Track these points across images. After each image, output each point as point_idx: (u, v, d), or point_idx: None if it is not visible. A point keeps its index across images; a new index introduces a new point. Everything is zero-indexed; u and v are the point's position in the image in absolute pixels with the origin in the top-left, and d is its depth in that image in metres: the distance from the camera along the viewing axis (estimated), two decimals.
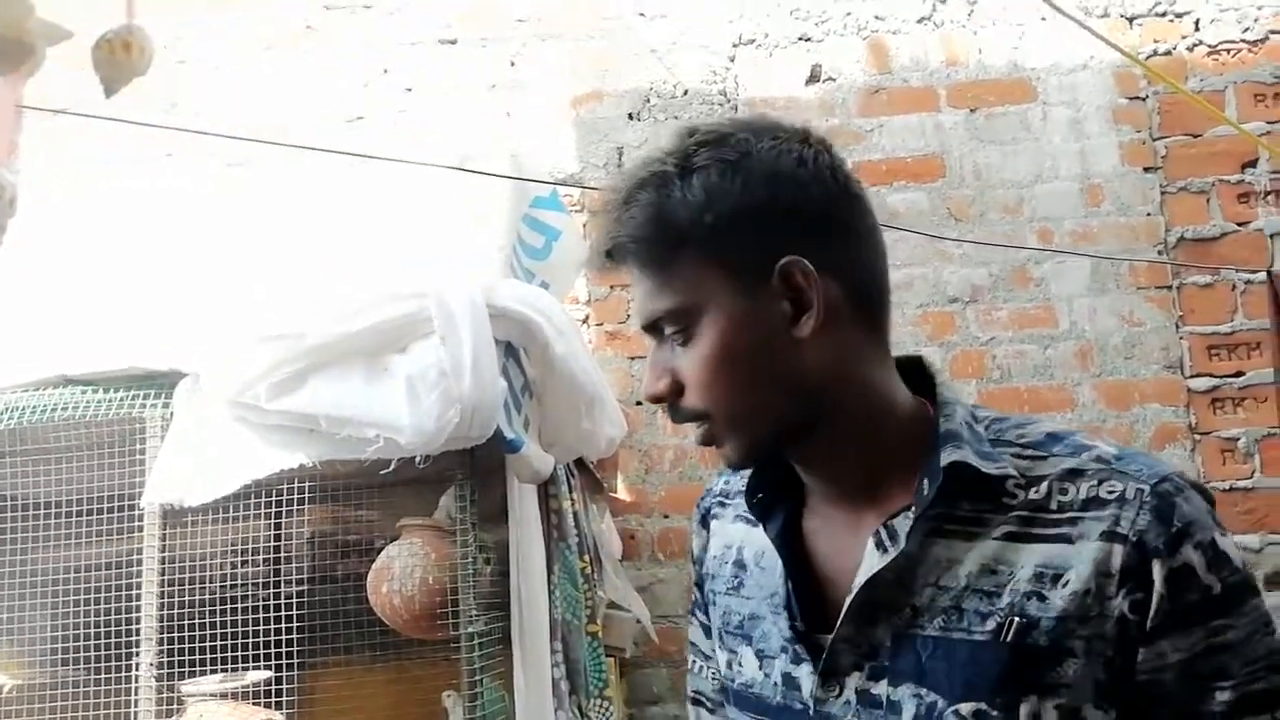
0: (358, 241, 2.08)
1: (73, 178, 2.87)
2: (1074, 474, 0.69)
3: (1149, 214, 2.72)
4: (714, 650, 0.89)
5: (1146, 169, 2.75)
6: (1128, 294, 2.69)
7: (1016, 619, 0.66)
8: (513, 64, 2.93)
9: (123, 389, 1.91)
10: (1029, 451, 0.72)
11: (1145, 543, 0.65)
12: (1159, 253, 2.70)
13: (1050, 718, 0.65)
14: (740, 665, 0.81)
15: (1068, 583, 0.66)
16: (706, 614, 0.91)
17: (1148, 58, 2.77)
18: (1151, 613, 0.64)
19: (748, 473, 0.84)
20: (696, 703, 0.94)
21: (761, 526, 0.81)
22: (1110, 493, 0.67)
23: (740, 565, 0.85)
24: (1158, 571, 0.64)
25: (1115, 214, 2.73)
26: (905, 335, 2.71)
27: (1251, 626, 0.65)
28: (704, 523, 0.93)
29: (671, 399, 0.74)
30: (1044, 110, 2.80)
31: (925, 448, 0.73)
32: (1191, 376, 2.64)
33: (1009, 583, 0.67)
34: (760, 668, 0.79)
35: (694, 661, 0.95)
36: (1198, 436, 2.62)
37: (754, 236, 0.72)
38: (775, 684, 0.77)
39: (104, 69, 0.61)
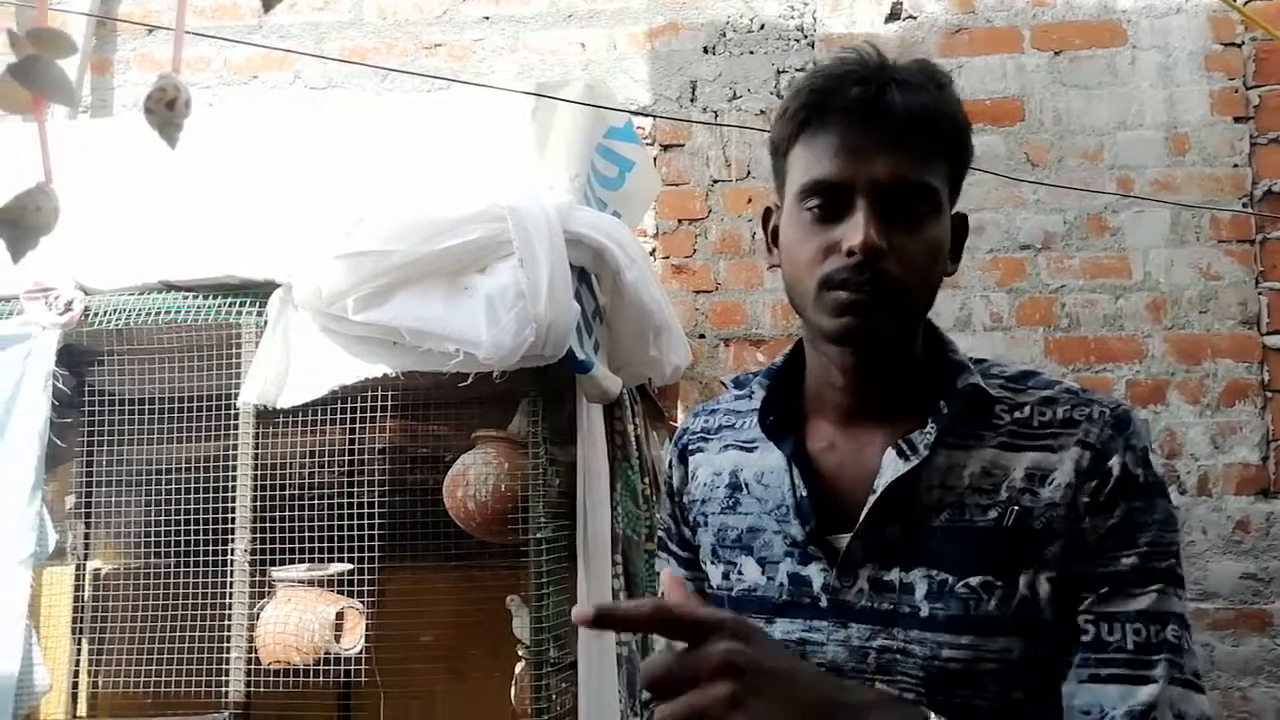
0: (437, 165, 2.14)
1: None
2: (1050, 401, 0.86)
3: (1236, 165, 2.65)
4: (692, 567, 1.01)
5: (1237, 119, 2.67)
6: (1207, 247, 2.64)
7: (1015, 508, 0.81)
8: None
9: (220, 296, 2.02)
10: (1011, 384, 0.88)
11: (1105, 447, 0.82)
12: (1244, 205, 2.64)
13: (1043, 588, 0.80)
14: (740, 574, 0.91)
15: (1053, 480, 0.82)
16: (680, 543, 1.02)
17: (1246, 2, 2.67)
18: (1103, 495, 0.81)
19: (726, 411, 0.99)
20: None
21: (767, 450, 0.92)
22: (1081, 414, 0.84)
23: (735, 487, 0.95)
24: (1110, 465, 0.81)
25: (1200, 164, 2.67)
26: (974, 279, 2.70)
27: (1159, 515, 0.81)
28: (682, 458, 1.02)
29: (877, 260, 0.82)
30: (1133, 54, 2.72)
31: (934, 377, 0.88)
32: (1268, 333, 2.60)
33: (1005, 481, 0.83)
34: (763, 573, 0.90)
35: (668, 559, 1.06)
36: (1269, 394, 2.58)
37: (963, 176, 0.89)
38: (781, 584, 0.88)
39: (159, 126, 0.69)
